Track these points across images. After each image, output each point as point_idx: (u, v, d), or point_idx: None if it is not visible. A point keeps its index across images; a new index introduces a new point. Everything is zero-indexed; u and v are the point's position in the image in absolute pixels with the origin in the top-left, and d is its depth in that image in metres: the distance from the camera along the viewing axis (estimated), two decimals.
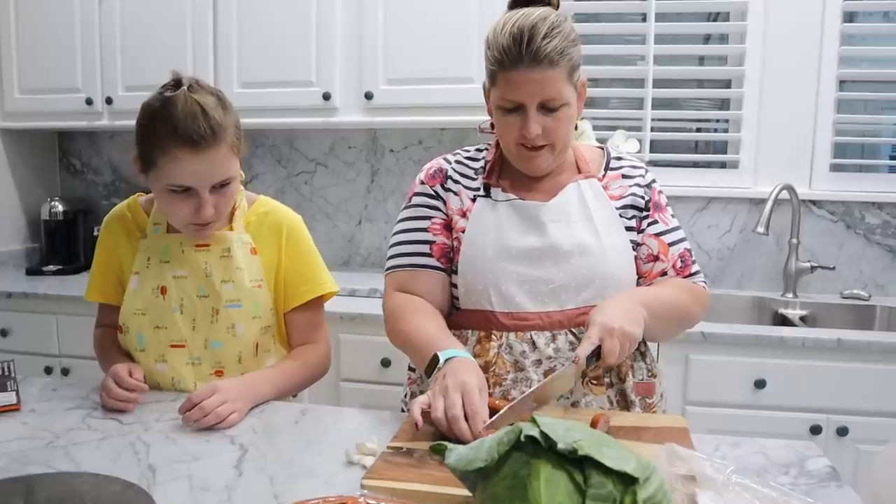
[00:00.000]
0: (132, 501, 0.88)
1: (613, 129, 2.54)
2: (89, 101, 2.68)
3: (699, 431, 2.04)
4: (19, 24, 2.75)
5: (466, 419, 1.08)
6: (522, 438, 0.74)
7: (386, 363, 2.24)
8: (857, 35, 2.54)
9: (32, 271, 2.80)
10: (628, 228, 1.36)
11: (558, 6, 1.35)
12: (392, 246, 1.42)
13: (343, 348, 2.28)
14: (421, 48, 2.40)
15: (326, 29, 2.46)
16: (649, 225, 1.39)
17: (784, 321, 2.46)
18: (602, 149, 1.47)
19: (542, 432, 0.73)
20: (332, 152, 2.88)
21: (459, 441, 1.04)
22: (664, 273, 1.39)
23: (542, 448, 0.73)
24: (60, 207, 2.86)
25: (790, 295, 2.52)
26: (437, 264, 1.38)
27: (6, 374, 1.39)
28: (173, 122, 1.26)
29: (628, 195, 1.38)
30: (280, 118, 2.57)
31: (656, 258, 1.38)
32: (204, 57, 2.57)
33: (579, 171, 1.40)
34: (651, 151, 2.64)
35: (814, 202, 2.56)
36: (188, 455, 1.11)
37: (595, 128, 2.62)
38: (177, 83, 1.30)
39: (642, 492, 0.72)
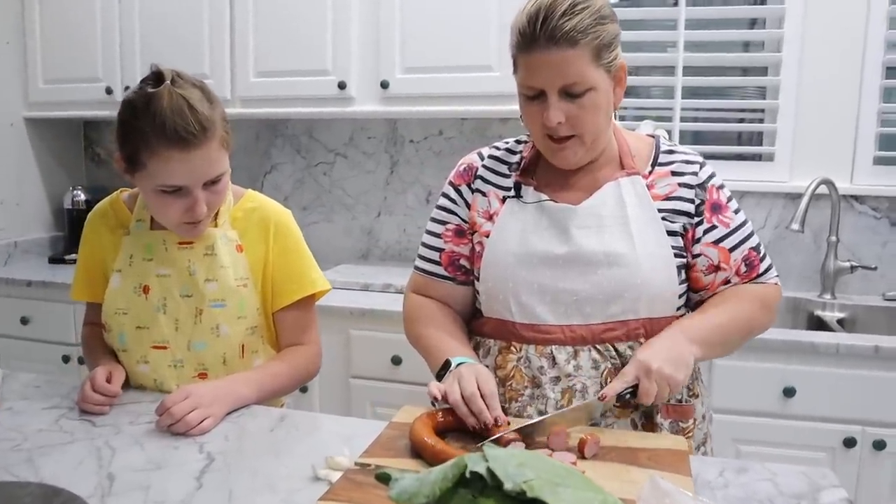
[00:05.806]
0: None
1: (642, 118, 2.42)
2: (109, 91, 2.67)
3: (724, 440, 1.97)
4: (43, 15, 2.76)
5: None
6: (468, 474, 0.66)
7: (397, 360, 2.18)
8: None
9: (55, 259, 2.82)
10: (671, 233, 1.23)
11: None
12: (420, 244, 1.40)
13: (354, 344, 2.23)
14: (438, 36, 2.31)
15: (343, 15, 2.39)
16: (706, 232, 1.24)
17: (820, 324, 2.32)
18: (653, 138, 1.32)
19: (489, 469, 0.65)
20: (352, 143, 2.82)
21: (476, 432, 1.09)
22: (727, 282, 1.26)
23: (490, 486, 0.65)
24: (83, 196, 2.86)
25: (828, 296, 2.37)
26: (446, 273, 1.35)
27: None
28: (160, 121, 1.19)
29: (675, 197, 1.24)
30: (296, 108, 2.53)
31: (717, 268, 1.25)
32: (220, 45, 2.54)
33: (622, 167, 1.26)
34: (681, 142, 2.51)
35: (855, 197, 2.40)
36: (152, 463, 1.06)
37: (622, 118, 2.52)
38: (158, 77, 1.24)
39: None
